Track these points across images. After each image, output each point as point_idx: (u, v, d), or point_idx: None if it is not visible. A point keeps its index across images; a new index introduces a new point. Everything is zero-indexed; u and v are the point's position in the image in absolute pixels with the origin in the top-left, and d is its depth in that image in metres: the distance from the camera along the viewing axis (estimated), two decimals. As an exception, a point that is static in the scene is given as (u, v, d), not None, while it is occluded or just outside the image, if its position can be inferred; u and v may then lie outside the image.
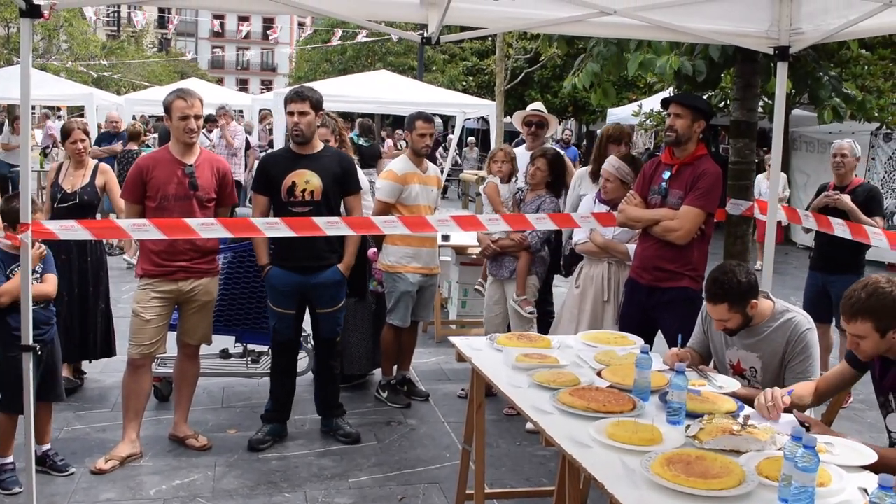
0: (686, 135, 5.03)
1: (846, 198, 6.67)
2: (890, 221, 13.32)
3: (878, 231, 5.64)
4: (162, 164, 5.27)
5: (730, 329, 4.09)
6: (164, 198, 5.19)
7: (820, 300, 6.95)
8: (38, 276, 4.88)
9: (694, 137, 5.08)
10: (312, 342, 6.01)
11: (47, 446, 5.09)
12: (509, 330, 6.13)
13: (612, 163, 5.87)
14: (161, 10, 51.03)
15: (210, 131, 16.60)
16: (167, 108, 5.27)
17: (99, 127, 14.71)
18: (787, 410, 3.58)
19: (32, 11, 4.06)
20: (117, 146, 12.74)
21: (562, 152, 6.71)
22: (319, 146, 5.57)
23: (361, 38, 24.61)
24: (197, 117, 5.26)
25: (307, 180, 5.41)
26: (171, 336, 5.54)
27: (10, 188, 14.75)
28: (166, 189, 5.20)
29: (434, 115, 6.98)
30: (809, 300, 7.06)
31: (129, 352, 5.34)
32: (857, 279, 6.66)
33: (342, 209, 5.65)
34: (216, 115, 14.50)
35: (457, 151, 23.61)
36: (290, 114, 5.41)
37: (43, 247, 4.88)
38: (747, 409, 3.57)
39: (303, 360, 6.30)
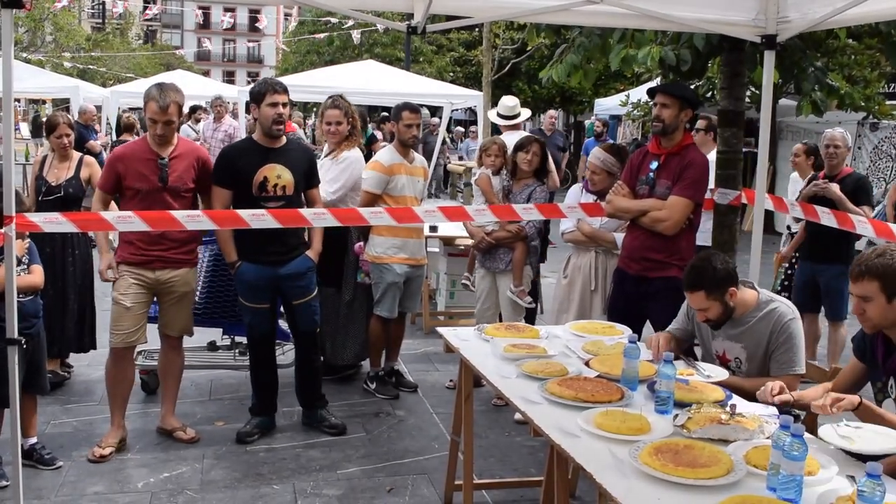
0: (673, 124, 5.03)
1: (834, 187, 6.68)
2: (877, 209, 13.36)
3: (864, 219, 5.65)
4: (137, 155, 5.22)
5: (711, 320, 4.08)
6: (138, 189, 5.14)
7: (809, 290, 6.97)
8: (25, 267, 4.85)
9: (681, 127, 5.08)
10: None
11: (34, 440, 5.07)
12: (500, 321, 6.12)
13: (597, 154, 5.87)
14: (146, 1, 50.73)
15: (197, 121, 16.48)
16: (144, 101, 5.19)
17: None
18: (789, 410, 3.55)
19: (13, 2, 4.01)
20: (95, 144, 12.64)
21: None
22: (284, 139, 5.53)
23: (355, 33, 24.54)
24: (168, 123, 5.14)
25: (279, 175, 5.36)
26: (156, 329, 5.52)
27: None
28: (140, 180, 5.14)
29: (421, 105, 6.96)
30: (799, 290, 7.08)
31: (110, 341, 5.31)
32: (846, 268, 6.69)
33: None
34: (212, 105, 14.26)
35: (454, 143, 23.57)
36: (274, 105, 5.31)
37: (27, 238, 4.85)
38: (735, 398, 3.58)
39: (290, 353, 6.28)
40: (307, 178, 5.56)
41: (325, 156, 6.47)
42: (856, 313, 3.53)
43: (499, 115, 7.59)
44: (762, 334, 4.05)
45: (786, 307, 4.08)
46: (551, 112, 12.33)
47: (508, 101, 7.54)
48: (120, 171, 5.18)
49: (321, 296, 6.42)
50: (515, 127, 7.53)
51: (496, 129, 23.12)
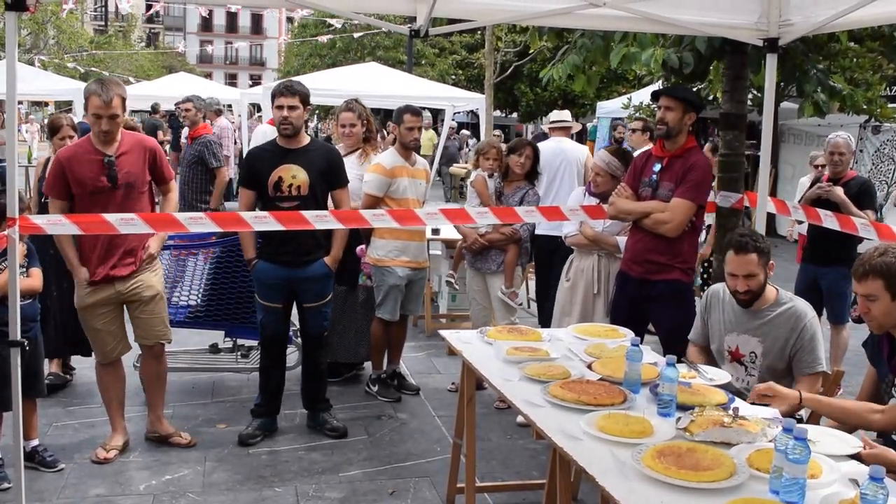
0: (677, 127, 5.04)
1: (839, 190, 6.68)
2: (878, 214, 13.35)
3: (867, 222, 5.65)
4: (82, 157, 5.01)
5: (752, 291, 4.10)
6: (90, 192, 4.98)
7: (811, 292, 6.95)
8: (24, 270, 4.84)
9: (684, 130, 5.08)
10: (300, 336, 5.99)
11: (35, 442, 5.07)
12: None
13: (602, 157, 5.88)
14: (148, 5, 50.84)
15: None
16: (85, 97, 5.00)
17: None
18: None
19: (18, 4, 4.01)
20: None
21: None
22: (306, 140, 5.53)
23: (356, 34, 24.56)
24: (112, 117, 4.94)
25: (293, 175, 5.37)
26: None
27: None
28: (88, 182, 4.98)
29: (423, 108, 6.99)
30: (800, 292, 7.06)
31: (94, 357, 5.32)
32: (848, 271, 6.66)
33: (329, 203, 5.63)
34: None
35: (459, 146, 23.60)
36: (280, 108, 5.37)
37: (26, 241, 4.84)
38: (738, 401, 3.58)
39: (293, 355, 6.28)
40: (328, 178, 5.54)
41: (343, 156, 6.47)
42: (861, 313, 3.55)
43: (551, 124, 7.97)
44: (782, 330, 4.09)
45: (805, 305, 4.15)
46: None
47: (553, 115, 8.04)
48: (66, 176, 4.99)
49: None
50: (565, 130, 7.79)
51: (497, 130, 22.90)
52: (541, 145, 7.74)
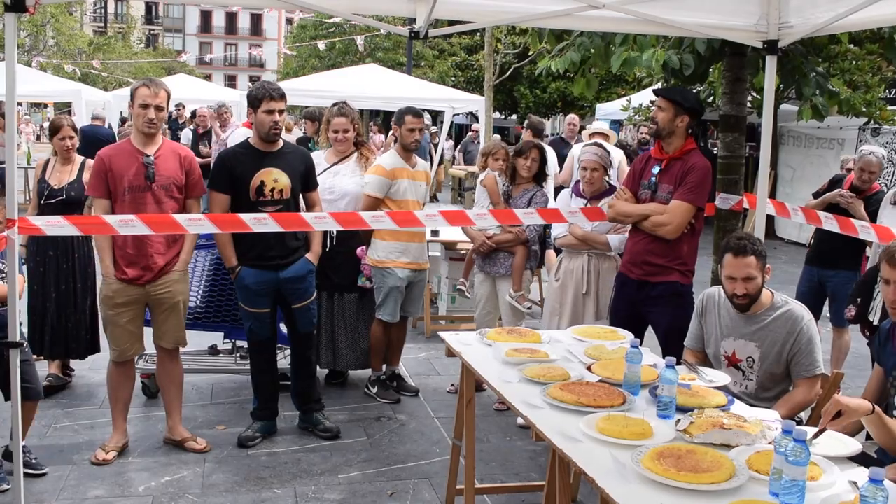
0: (667, 128, 5.03)
1: (859, 204, 6.63)
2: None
3: (867, 224, 5.64)
4: (123, 155, 5.11)
5: (750, 295, 4.09)
6: (126, 190, 5.05)
7: (814, 294, 6.95)
8: (5, 275, 4.83)
9: (678, 132, 5.06)
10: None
11: (22, 443, 5.05)
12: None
13: (593, 151, 5.86)
14: (148, 9, 50.93)
15: (197, 126, 16.43)
16: (132, 94, 5.12)
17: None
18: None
19: (17, 6, 4.02)
20: None
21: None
22: (280, 143, 5.52)
23: (359, 39, 24.57)
24: (159, 108, 5.07)
25: (275, 179, 5.35)
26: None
27: None
28: (126, 181, 5.05)
29: (423, 110, 6.99)
30: (803, 294, 7.05)
31: (110, 354, 5.31)
32: (854, 275, 6.65)
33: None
34: (217, 111, 14.19)
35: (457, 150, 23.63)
36: (271, 112, 5.32)
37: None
38: (737, 403, 3.58)
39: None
40: (304, 181, 5.56)
41: (337, 163, 6.45)
42: (890, 301, 3.52)
43: (591, 133, 8.66)
44: (779, 334, 4.09)
45: (801, 308, 4.14)
46: (572, 116, 12.13)
47: (594, 126, 9.04)
48: (107, 173, 5.07)
49: (345, 301, 6.44)
50: (603, 136, 8.37)
51: (496, 132, 22.93)
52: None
